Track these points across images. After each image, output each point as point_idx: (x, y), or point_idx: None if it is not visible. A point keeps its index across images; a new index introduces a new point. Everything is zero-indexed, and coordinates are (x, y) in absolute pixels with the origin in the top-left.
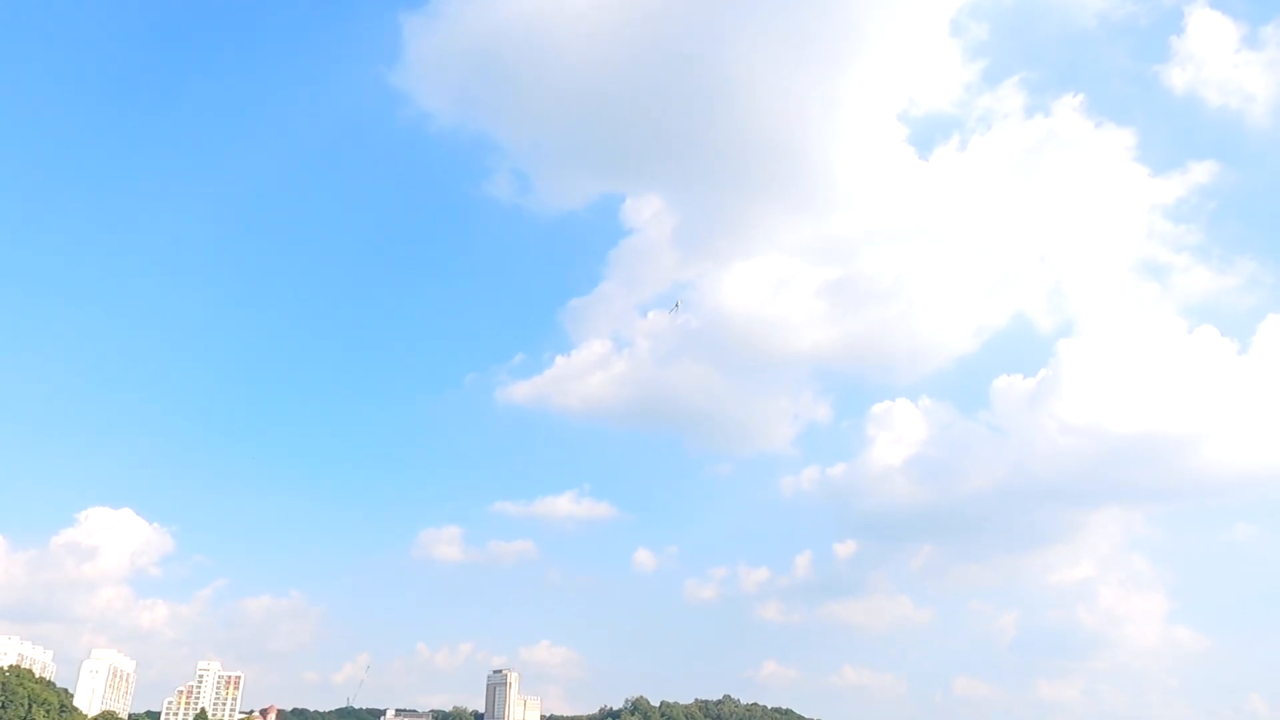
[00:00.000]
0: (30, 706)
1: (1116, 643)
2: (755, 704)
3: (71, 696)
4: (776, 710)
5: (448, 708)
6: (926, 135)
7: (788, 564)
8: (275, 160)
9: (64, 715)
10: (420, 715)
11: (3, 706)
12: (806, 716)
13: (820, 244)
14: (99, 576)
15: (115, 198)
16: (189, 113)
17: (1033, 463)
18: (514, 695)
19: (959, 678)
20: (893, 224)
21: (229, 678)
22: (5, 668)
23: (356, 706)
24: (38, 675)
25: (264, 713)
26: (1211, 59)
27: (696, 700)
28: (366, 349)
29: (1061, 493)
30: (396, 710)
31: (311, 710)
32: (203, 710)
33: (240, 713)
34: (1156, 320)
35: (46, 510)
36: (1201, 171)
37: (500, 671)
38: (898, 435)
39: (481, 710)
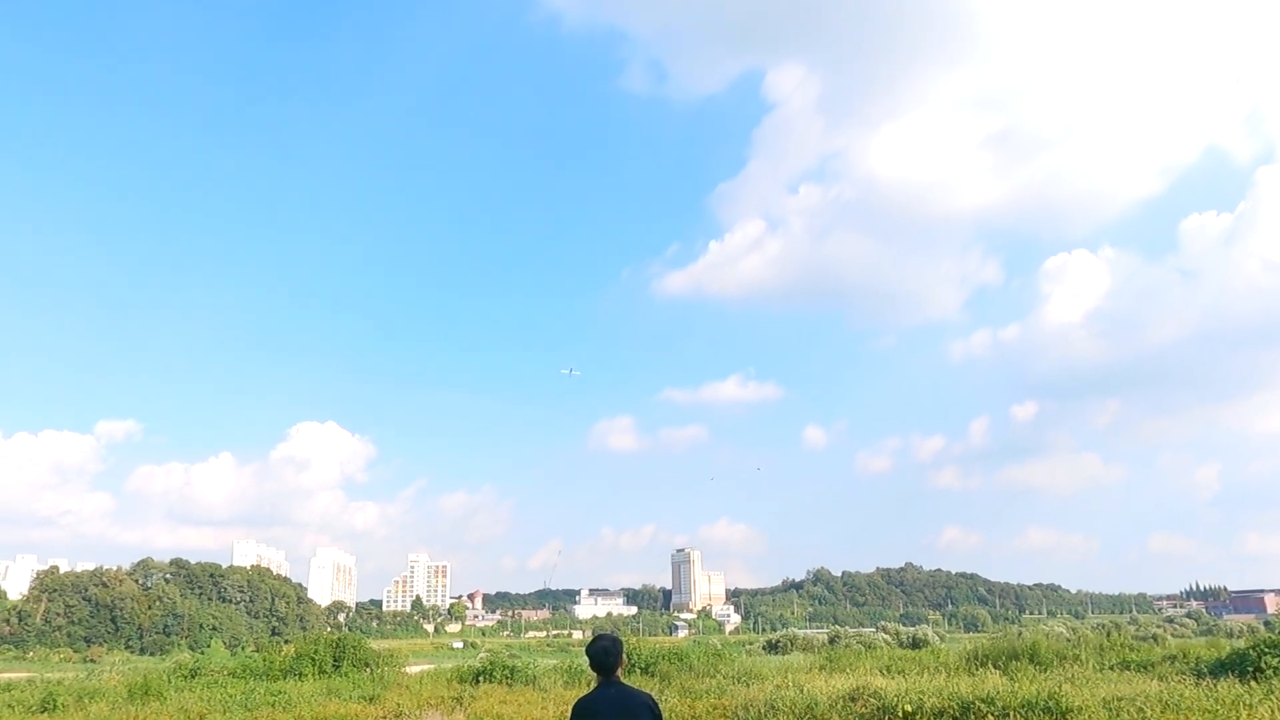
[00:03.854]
0: (273, 599)
1: None
2: (939, 569)
3: (305, 590)
4: (961, 575)
5: (637, 586)
6: None
7: (963, 430)
8: (415, 78)
9: (301, 606)
10: (612, 593)
11: (251, 600)
12: (993, 579)
13: (978, 93)
14: (314, 484)
15: (280, 126)
16: (330, 43)
17: (1230, 305)
18: (698, 571)
19: (1155, 534)
20: (1060, 62)
21: (437, 567)
22: (249, 567)
23: (553, 588)
24: (275, 572)
25: (471, 597)
26: None
27: (878, 569)
28: (524, 253)
29: (1265, 335)
30: (590, 590)
31: (513, 593)
32: (418, 597)
33: (450, 597)
34: None
35: (263, 428)
36: None
37: (683, 550)
38: (1076, 289)
39: (668, 586)
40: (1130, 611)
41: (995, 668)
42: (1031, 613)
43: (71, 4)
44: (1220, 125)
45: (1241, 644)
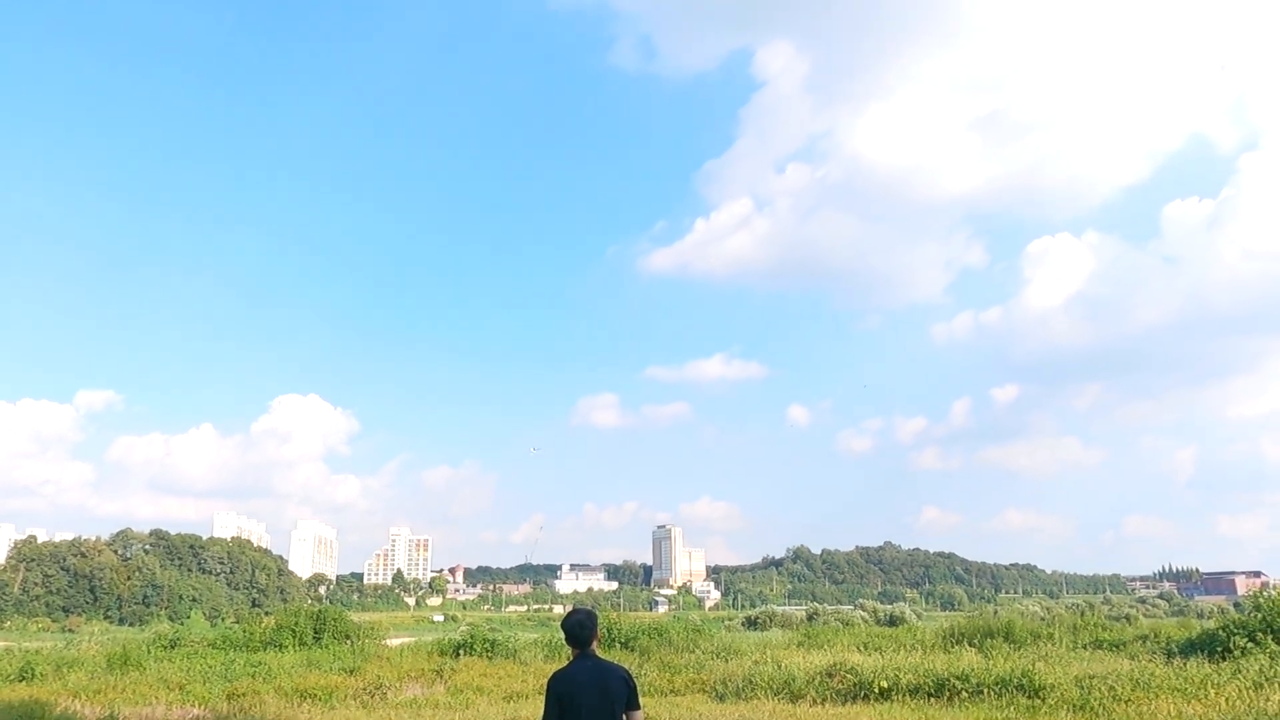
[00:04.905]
0: (254, 571)
1: None
2: (917, 549)
3: (286, 562)
4: (939, 554)
5: (618, 561)
6: None
7: (944, 412)
8: (401, 54)
9: (282, 578)
10: (593, 569)
11: (231, 571)
12: (971, 559)
13: (965, 76)
14: (296, 457)
15: (267, 112)
16: (311, 24)
17: (1210, 292)
18: (679, 548)
19: (1131, 517)
20: (1047, 46)
21: (418, 541)
22: (229, 539)
23: (534, 563)
24: (256, 544)
25: (452, 571)
26: None
27: (857, 547)
28: (509, 232)
29: (1243, 322)
30: (571, 565)
31: (494, 567)
32: (399, 570)
33: (431, 571)
34: None
35: (245, 400)
36: None
37: (664, 526)
38: (1058, 273)
39: (649, 562)
40: (1104, 592)
41: (971, 646)
42: (1008, 592)
43: None
44: (1205, 112)
45: (1212, 624)
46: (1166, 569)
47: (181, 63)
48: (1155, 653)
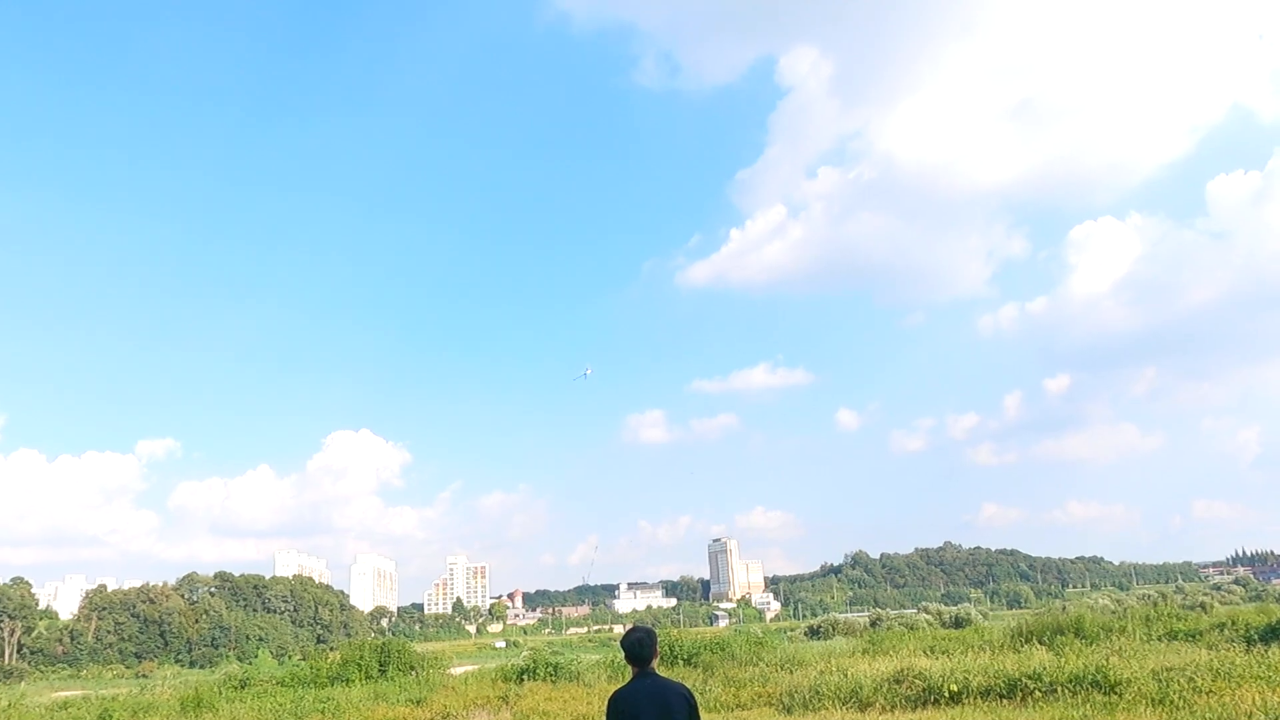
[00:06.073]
0: (317, 607)
1: None
2: (978, 547)
3: (348, 596)
4: (1001, 552)
5: (675, 577)
6: None
7: (996, 406)
8: (428, 86)
9: (345, 613)
10: (651, 586)
11: (295, 609)
12: (1034, 555)
13: (993, 64)
14: (352, 492)
15: (295, 138)
16: (338, 56)
17: (1263, 266)
18: (735, 560)
19: (1197, 501)
20: (1074, 27)
21: (476, 568)
22: (291, 576)
23: (592, 584)
24: (317, 581)
25: (511, 596)
26: None
27: (917, 549)
28: (546, 253)
29: None
30: (629, 584)
31: (552, 590)
32: (458, 599)
33: (490, 598)
34: None
35: (299, 439)
36: None
37: (720, 540)
38: (1104, 257)
39: (707, 577)
40: (1176, 580)
41: (1041, 643)
42: (1075, 587)
43: (75, 37)
44: (1245, 83)
45: None
46: (1240, 553)
47: (220, 115)
48: (1234, 641)
